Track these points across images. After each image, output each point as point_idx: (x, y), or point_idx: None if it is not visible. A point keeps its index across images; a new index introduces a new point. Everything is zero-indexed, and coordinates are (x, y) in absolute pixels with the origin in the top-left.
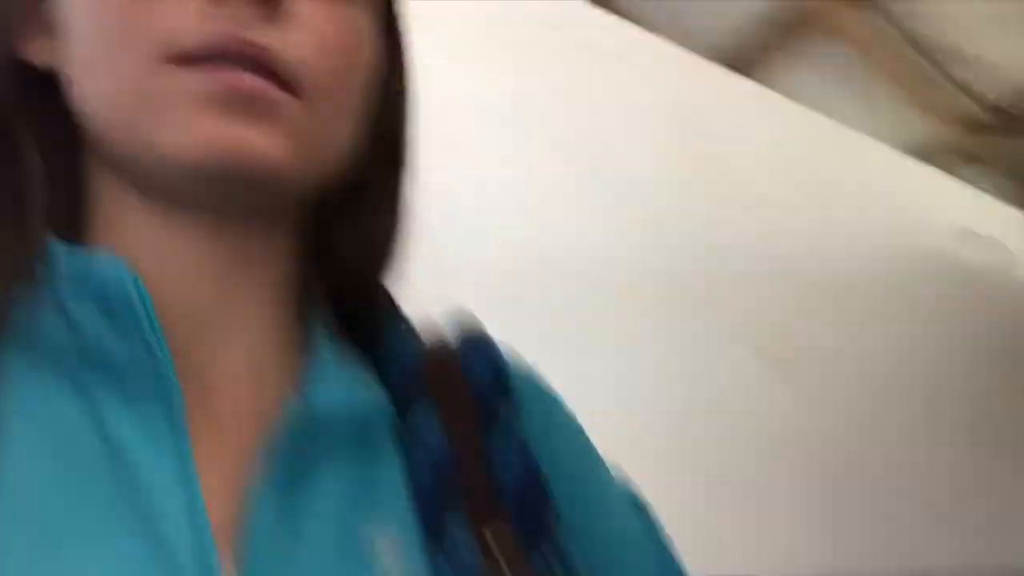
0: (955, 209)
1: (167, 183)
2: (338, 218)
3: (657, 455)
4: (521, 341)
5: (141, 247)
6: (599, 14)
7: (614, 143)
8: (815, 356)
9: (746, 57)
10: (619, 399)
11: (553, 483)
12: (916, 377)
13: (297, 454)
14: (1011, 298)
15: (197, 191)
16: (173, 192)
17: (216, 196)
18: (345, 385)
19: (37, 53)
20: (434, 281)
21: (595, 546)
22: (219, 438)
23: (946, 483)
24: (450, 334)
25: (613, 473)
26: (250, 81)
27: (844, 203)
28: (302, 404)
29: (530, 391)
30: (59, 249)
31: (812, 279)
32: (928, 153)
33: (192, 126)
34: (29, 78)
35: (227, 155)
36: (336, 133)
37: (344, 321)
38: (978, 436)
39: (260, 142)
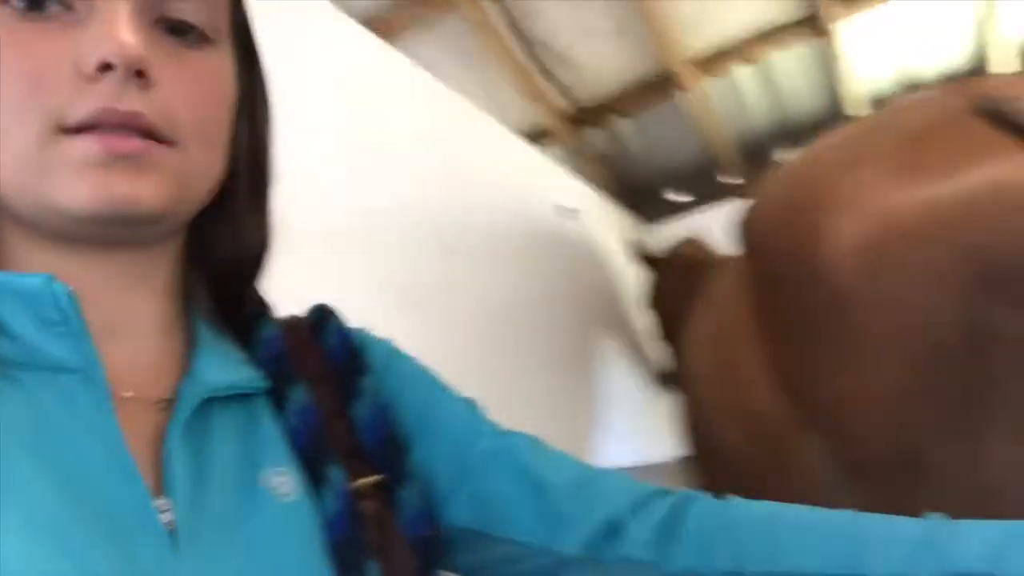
0: (554, 187)
1: (66, 229)
2: (213, 225)
3: None
4: None
5: (46, 270)
6: None
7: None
8: (448, 296)
9: (383, 24)
10: None
11: (404, 397)
12: (526, 314)
13: (195, 417)
14: (588, 255)
15: (92, 233)
16: (71, 234)
17: (108, 235)
18: (222, 365)
19: None
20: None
21: (436, 423)
22: (132, 413)
23: (543, 402)
24: (303, 314)
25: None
26: (128, 143)
27: (476, 178)
28: (190, 381)
29: (369, 345)
30: None
31: (452, 239)
32: (534, 134)
33: (85, 184)
34: None
35: (115, 206)
36: (209, 168)
37: (223, 312)
38: (566, 362)
39: (141, 193)
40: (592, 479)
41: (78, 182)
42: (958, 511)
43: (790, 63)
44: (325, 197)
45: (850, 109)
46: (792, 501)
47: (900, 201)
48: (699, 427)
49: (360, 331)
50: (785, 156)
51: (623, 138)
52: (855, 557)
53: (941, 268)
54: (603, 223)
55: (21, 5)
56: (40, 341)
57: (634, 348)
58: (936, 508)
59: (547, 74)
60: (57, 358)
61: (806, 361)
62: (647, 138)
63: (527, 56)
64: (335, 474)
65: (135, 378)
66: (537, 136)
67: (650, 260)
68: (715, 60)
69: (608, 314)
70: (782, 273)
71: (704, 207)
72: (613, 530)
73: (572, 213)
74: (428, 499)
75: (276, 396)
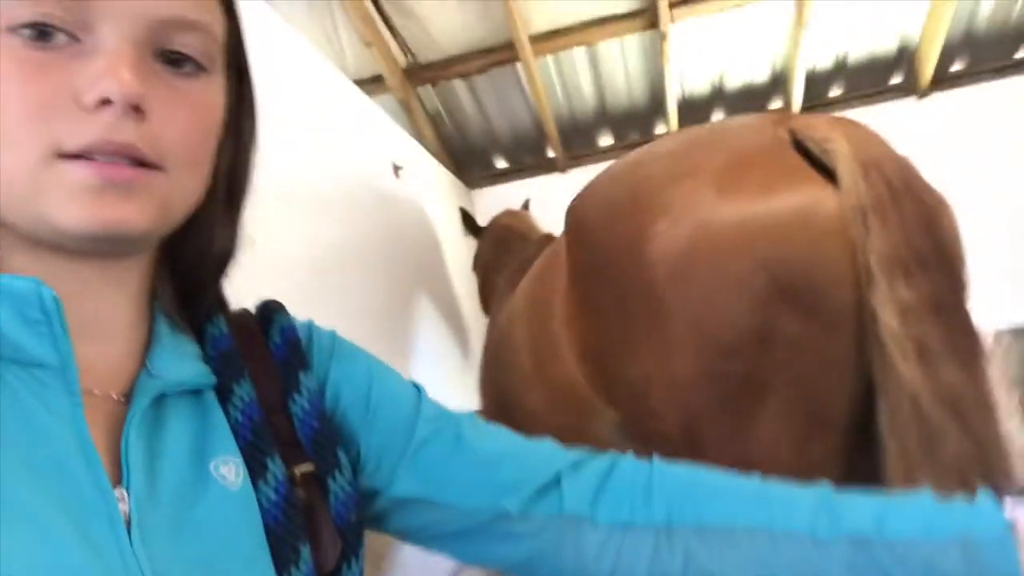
0: (386, 141)
1: (57, 242)
2: (186, 230)
3: None
4: None
5: (30, 273)
6: None
7: None
8: (297, 244)
9: None
10: None
11: (350, 383)
12: (352, 265)
13: (150, 411)
14: (415, 212)
15: (82, 248)
16: (61, 247)
17: (95, 249)
18: (176, 361)
19: None
20: None
21: (381, 406)
22: (97, 408)
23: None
24: (252, 310)
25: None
26: (121, 172)
27: (313, 123)
28: (145, 377)
29: (315, 339)
30: None
31: (305, 191)
32: (366, 82)
33: (80, 208)
34: None
35: (107, 228)
36: (193, 189)
37: (183, 305)
38: (385, 316)
39: (131, 217)
40: (529, 446)
41: (74, 205)
42: None
43: (619, 52)
44: None
45: (665, 105)
46: None
47: (716, 215)
48: (508, 387)
49: (306, 325)
50: (604, 140)
51: (456, 100)
52: (766, 513)
53: (743, 276)
54: (430, 182)
55: (30, 35)
56: (22, 339)
57: (451, 309)
58: None
59: (389, 24)
60: (36, 355)
61: (615, 344)
62: (479, 103)
63: (372, 2)
64: (273, 465)
65: (101, 375)
66: (369, 85)
67: (473, 227)
68: (554, 37)
69: (429, 274)
70: (604, 263)
71: (524, 177)
72: (550, 488)
73: (400, 169)
74: (356, 487)
75: (220, 389)
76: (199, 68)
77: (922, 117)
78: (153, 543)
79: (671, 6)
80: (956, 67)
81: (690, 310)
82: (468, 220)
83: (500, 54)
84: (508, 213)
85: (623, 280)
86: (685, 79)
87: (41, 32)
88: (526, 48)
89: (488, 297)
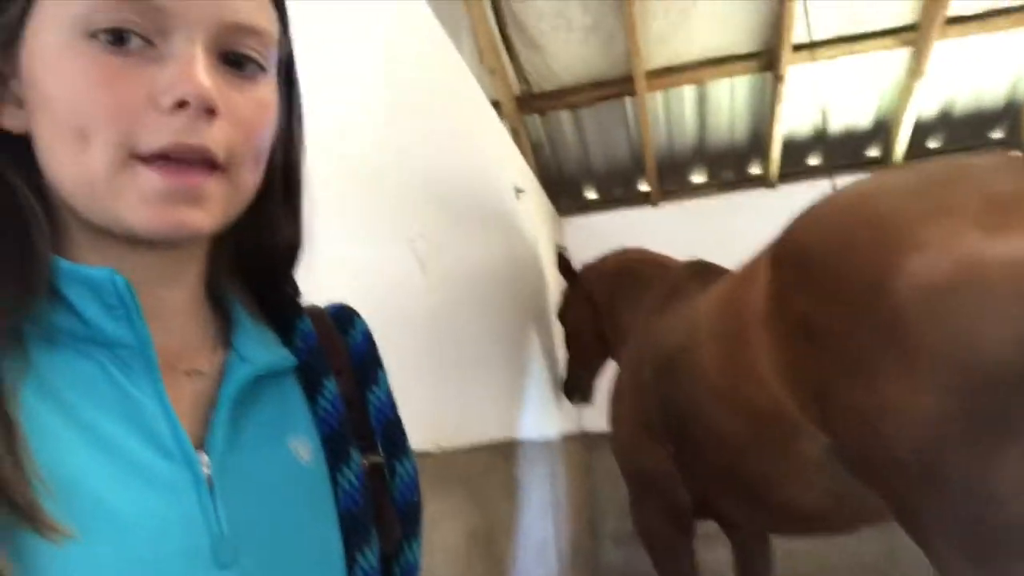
0: (511, 167)
1: (127, 237)
2: (249, 224)
3: None
4: None
5: (102, 262)
6: None
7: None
8: (445, 256)
9: None
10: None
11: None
12: (494, 271)
13: (237, 388)
14: (527, 237)
15: (148, 247)
16: (130, 241)
17: (161, 249)
18: (260, 344)
19: (7, 119)
20: None
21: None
22: (172, 381)
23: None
24: (327, 310)
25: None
26: (190, 179)
27: (449, 139)
28: (237, 358)
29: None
30: (61, 263)
31: (448, 206)
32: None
33: (151, 212)
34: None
35: (175, 231)
36: (252, 185)
37: (258, 297)
38: (522, 330)
39: (197, 220)
40: None
41: (146, 209)
42: (963, 516)
43: (728, 92)
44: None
45: (765, 146)
46: (775, 476)
47: (984, 254)
48: (688, 405)
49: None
50: (697, 176)
51: (560, 130)
52: None
53: (1012, 315)
54: (533, 207)
55: (108, 39)
56: (104, 323)
57: (546, 343)
58: (940, 514)
59: (512, 53)
60: (118, 336)
61: (842, 372)
62: (581, 134)
63: (499, 29)
64: (355, 453)
65: (177, 353)
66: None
67: (568, 269)
68: (667, 74)
69: (532, 305)
70: (835, 292)
71: (615, 209)
72: None
73: (521, 192)
74: (417, 471)
75: (306, 379)
76: (259, 69)
77: None
78: (232, 503)
79: (793, 49)
80: None
81: (946, 345)
82: (564, 262)
83: (613, 87)
84: (630, 249)
85: (859, 310)
86: (789, 121)
87: (119, 37)
88: (642, 83)
89: (618, 326)
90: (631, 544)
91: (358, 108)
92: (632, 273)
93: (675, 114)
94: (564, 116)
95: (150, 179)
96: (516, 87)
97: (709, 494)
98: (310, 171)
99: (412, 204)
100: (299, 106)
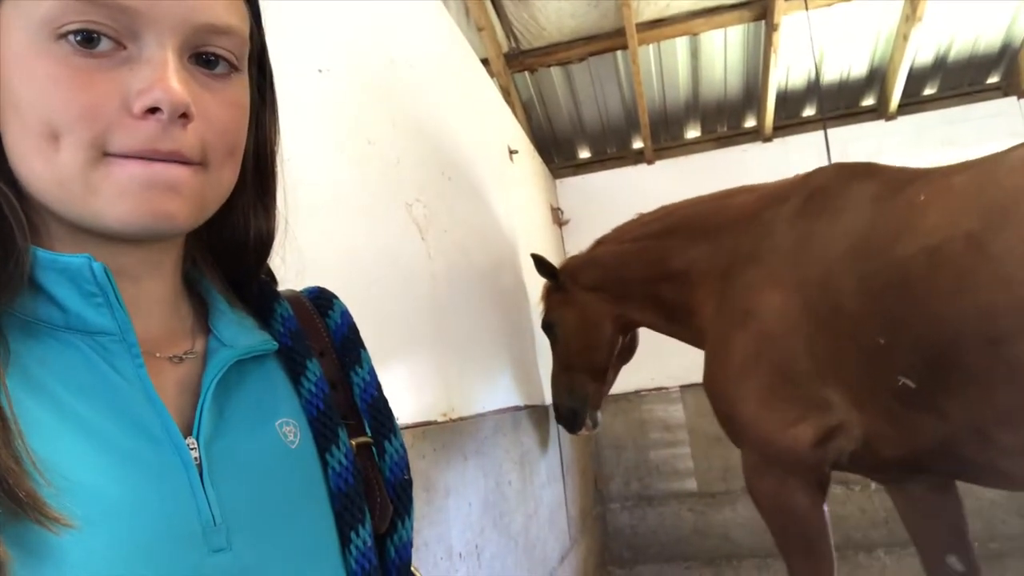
0: (504, 128)
1: (103, 232)
2: (223, 215)
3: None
4: None
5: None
6: None
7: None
8: (443, 221)
9: None
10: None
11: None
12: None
13: (220, 372)
14: (521, 201)
15: (126, 240)
16: (106, 234)
17: (139, 242)
18: (239, 329)
19: None
20: None
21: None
22: (155, 367)
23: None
24: (305, 293)
25: None
26: (168, 172)
27: (461, 116)
28: (217, 344)
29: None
30: (38, 252)
31: (443, 169)
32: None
33: (129, 205)
34: None
35: (154, 225)
36: (229, 180)
37: (237, 289)
38: (522, 295)
39: (176, 214)
40: None
41: (124, 202)
42: None
43: (722, 43)
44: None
45: (759, 98)
46: None
47: None
48: (958, 324)
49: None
50: (690, 132)
51: (551, 88)
52: None
53: None
54: (528, 168)
55: (77, 40)
56: (83, 310)
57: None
58: None
59: (499, 9)
60: (98, 324)
61: None
62: (573, 92)
63: None
64: (343, 434)
65: (158, 340)
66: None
67: (549, 270)
68: (659, 26)
69: (531, 269)
70: None
71: (609, 168)
72: None
73: (515, 153)
74: (405, 449)
75: (289, 362)
76: (231, 68)
77: (1022, 119)
78: (222, 486)
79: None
80: None
81: None
82: (543, 264)
83: (605, 42)
84: (630, 223)
85: None
86: (783, 72)
87: (88, 38)
88: (633, 36)
89: (685, 288)
90: (637, 506)
91: (348, 72)
92: (676, 228)
93: (668, 68)
94: (555, 73)
95: (126, 171)
96: (505, 44)
97: (958, 439)
98: (302, 141)
99: (408, 169)
100: (272, 98)
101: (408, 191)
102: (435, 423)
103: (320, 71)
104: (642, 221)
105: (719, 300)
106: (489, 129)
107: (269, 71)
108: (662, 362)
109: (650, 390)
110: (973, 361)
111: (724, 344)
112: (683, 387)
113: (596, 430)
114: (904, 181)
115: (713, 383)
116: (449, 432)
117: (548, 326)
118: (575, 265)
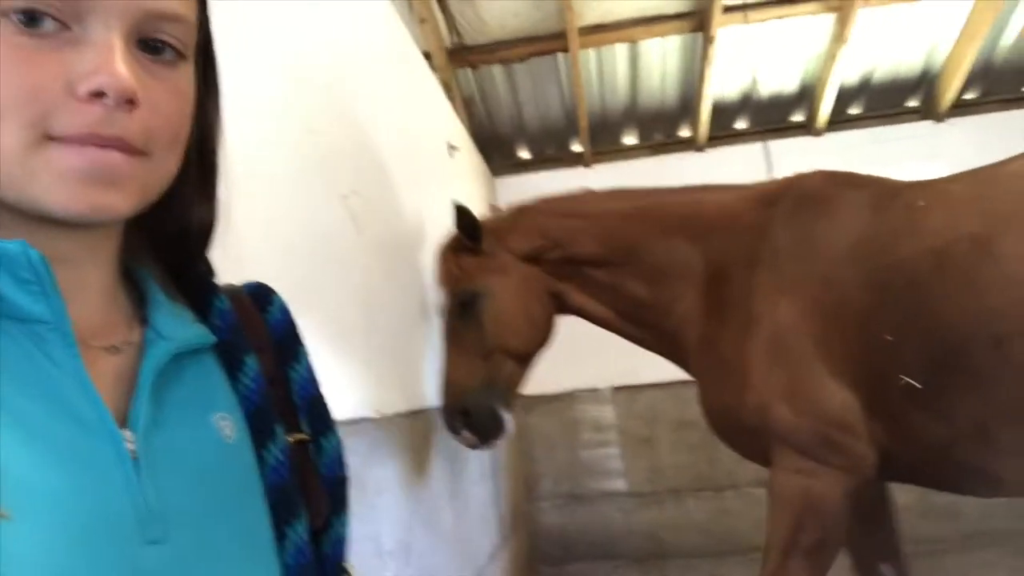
0: (444, 123)
1: (42, 216)
2: (163, 205)
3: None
4: None
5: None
6: None
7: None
8: (379, 214)
9: None
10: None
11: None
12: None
13: (157, 364)
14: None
15: (63, 225)
16: (44, 222)
17: (76, 228)
18: (177, 321)
19: None
20: None
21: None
22: (90, 357)
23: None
24: (244, 288)
25: None
26: (109, 158)
27: (402, 109)
28: (155, 335)
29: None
30: None
31: (381, 162)
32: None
33: (68, 191)
34: None
35: (92, 212)
36: (171, 169)
37: (172, 276)
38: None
39: (115, 202)
40: None
41: (62, 189)
42: None
43: (660, 52)
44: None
45: (695, 108)
46: None
47: None
48: (978, 326)
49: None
50: (628, 138)
51: (492, 85)
52: None
53: None
54: (467, 165)
55: (20, 19)
56: (18, 298)
57: None
58: None
59: (443, 2)
60: (33, 312)
61: None
62: (514, 91)
63: None
64: (280, 430)
65: (94, 328)
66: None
67: (473, 226)
68: (600, 31)
69: None
70: None
71: (548, 169)
72: None
73: (454, 150)
74: (342, 447)
75: (226, 357)
76: (178, 56)
77: (937, 141)
78: (158, 478)
79: (724, 11)
80: (971, 95)
81: None
82: (467, 218)
83: (547, 43)
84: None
85: None
86: (718, 84)
87: (31, 17)
88: (575, 40)
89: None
90: (567, 505)
91: (286, 60)
92: (647, 216)
93: (608, 73)
94: (497, 71)
95: (66, 157)
96: (447, 39)
97: (957, 441)
98: (240, 131)
99: (345, 159)
100: (217, 88)
101: (344, 182)
102: (368, 419)
103: (259, 58)
104: (597, 197)
105: (711, 306)
106: (429, 123)
107: (214, 61)
108: (596, 364)
109: (583, 390)
110: (979, 360)
111: (738, 354)
112: (615, 388)
113: (504, 438)
114: (895, 189)
115: (732, 395)
116: (381, 428)
117: (471, 297)
118: (504, 228)
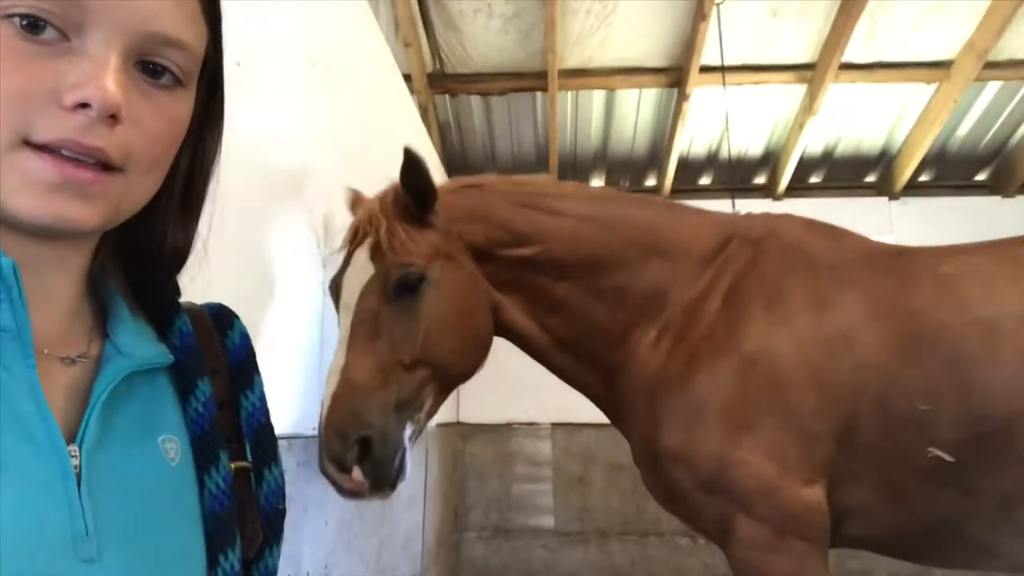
0: (418, 146)
1: (12, 224)
2: (139, 225)
3: None
4: None
5: None
6: None
7: None
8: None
9: None
10: None
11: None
12: None
13: (112, 383)
14: None
15: (34, 233)
16: (16, 227)
17: (47, 236)
18: (137, 338)
19: None
20: None
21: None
22: (47, 368)
23: None
24: (206, 309)
25: None
26: (82, 174)
27: (377, 127)
28: (113, 351)
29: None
30: None
31: (350, 179)
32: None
33: (35, 199)
34: None
35: (58, 223)
36: (147, 190)
37: (139, 295)
38: None
39: (82, 217)
40: None
41: (29, 195)
42: None
43: (635, 103)
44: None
45: (663, 161)
46: None
47: None
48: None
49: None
50: (595, 181)
51: (468, 115)
52: None
53: None
54: None
55: (22, 24)
56: None
57: None
58: None
59: (429, 29)
60: None
61: None
62: (489, 123)
63: (418, 2)
64: (224, 457)
65: (53, 338)
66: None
67: (423, 181)
68: (580, 76)
69: None
70: None
71: None
72: None
73: None
74: (284, 479)
75: (180, 378)
76: (176, 82)
77: (890, 217)
78: (98, 497)
79: (701, 70)
80: (925, 177)
81: None
82: (417, 173)
83: (527, 81)
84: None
85: None
86: (687, 139)
87: (33, 24)
88: (555, 81)
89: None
90: (494, 538)
91: (270, 70)
92: (617, 225)
93: (583, 117)
94: (475, 101)
95: (38, 166)
96: (429, 64)
97: (974, 515)
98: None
99: (314, 175)
100: (219, 121)
101: (311, 198)
102: (301, 436)
103: (238, 64)
104: (562, 191)
105: (685, 338)
106: (403, 144)
107: (221, 95)
108: (537, 398)
109: (522, 424)
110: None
111: (719, 393)
112: (554, 425)
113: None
114: (887, 249)
115: (702, 441)
116: (314, 447)
117: (415, 281)
118: (457, 206)
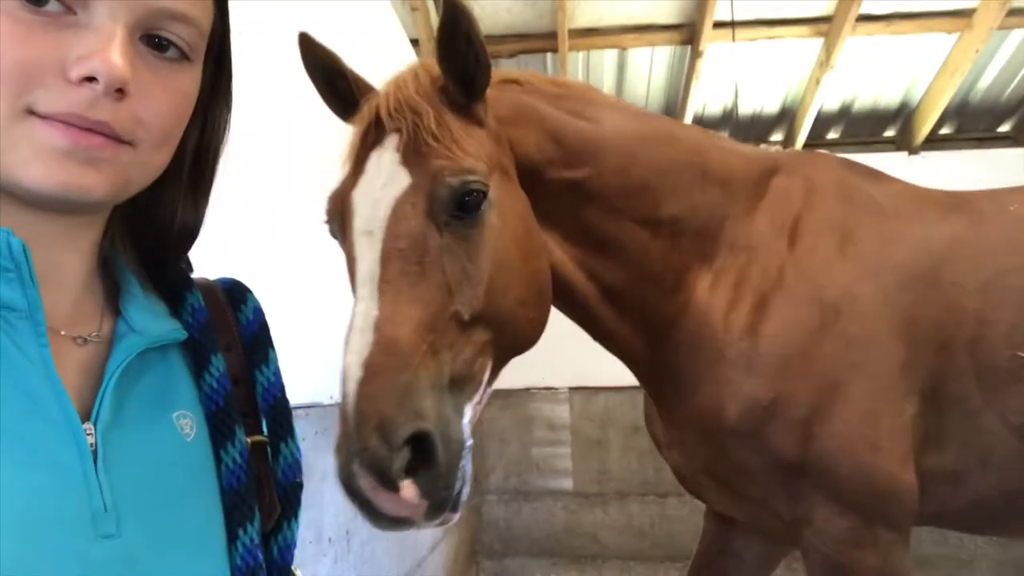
0: None
1: (21, 196)
2: (150, 202)
3: None
4: None
5: (1, 225)
6: None
7: None
8: None
9: None
10: None
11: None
12: None
13: (125, 360)
14: None
15: (43, 204)
16: (25, 199)
17: (56, 208)
18: (150, 315)
19: None
20: None
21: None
22: (60, 347)
23: None
24: (219, 284)
25: None
26: (91, 139)
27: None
28: (126, 328)
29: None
30: None
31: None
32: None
33: (45, 167)
34: None
35: (68, 192)
36: (157, 164)
37: (149, 269)
38: None
39: (92, 185)
40: None
41: (39, 164)
42: None
43: (648, 62)
44: None
45: (682, 120)
46: None
47: None
48: None
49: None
50: None
51: None
52: None
53: None
54: None
55: None
56: None
57: None
58: None
59: None
60: (6, 299)
61: None
62: None
63: None
64: (240, 432)
65: (65, 317)
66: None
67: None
68: (591, 35)
69: None
70: None
71: None
72: None
73: None
74: (300, 453)
75: (194, 354)
76: (182, 56)
77: (910, 172)
78: (115, 474)
79: (714, 26)
80: (946, 130)
81: None
82: (464, 44)
83: (537, 42)
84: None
85: None
86: (701, 97)
87: None
88: (565, 42)
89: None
90: (514, 500)
91: (274, 43)
92: (667, 143)
93: (594, 78)
94: None
95: (47, 134)
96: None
97: None
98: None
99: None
100: (228, 96)
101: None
102: (320, 405)
103: (240, 34)
104: (602, 100)
105: (748, 284)
106: None
107: (229, 70)
108: (554, 362)
109: (540, 388)
110: None
111: (798, 351)
112: (572, 389)
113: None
114: (937, 191)
115: (780, 409)
116: (332, 415)
117: (474, 195)
118: (501, 100)
